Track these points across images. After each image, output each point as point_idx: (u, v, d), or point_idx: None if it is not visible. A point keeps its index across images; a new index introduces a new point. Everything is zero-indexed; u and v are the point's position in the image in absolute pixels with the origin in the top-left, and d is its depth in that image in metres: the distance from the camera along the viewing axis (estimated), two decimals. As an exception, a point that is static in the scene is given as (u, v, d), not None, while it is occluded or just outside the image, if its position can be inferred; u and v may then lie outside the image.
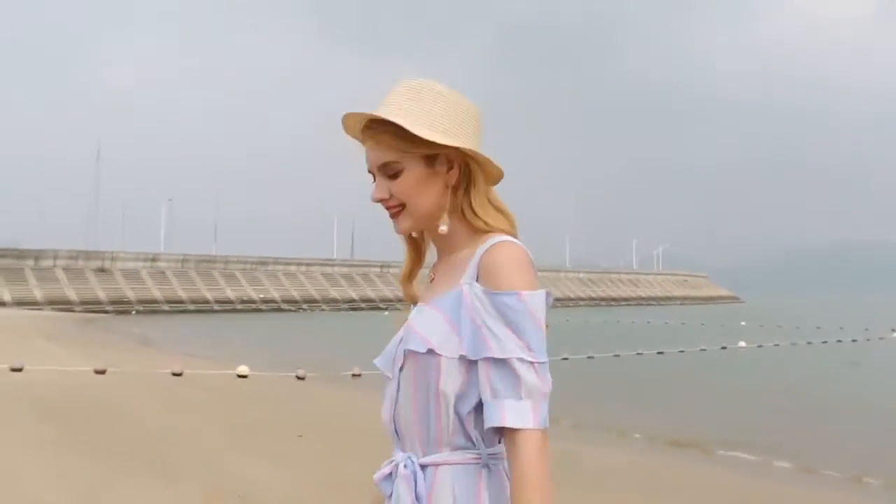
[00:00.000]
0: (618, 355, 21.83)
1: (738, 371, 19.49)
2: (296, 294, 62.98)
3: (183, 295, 58.08)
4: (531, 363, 1.29)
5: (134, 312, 52.39)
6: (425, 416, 1.37)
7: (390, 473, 1.42)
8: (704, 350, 24.18)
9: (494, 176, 1.46)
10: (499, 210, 1.46)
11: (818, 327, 35.64)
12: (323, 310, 60.54)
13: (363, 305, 64.03)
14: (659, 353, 23.02)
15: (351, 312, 59.42)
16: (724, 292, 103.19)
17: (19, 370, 13.84)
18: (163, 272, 60.34)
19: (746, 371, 19.50)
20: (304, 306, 60.92)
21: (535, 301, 1.31)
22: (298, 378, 15.34)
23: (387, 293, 68.35)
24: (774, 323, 39.70)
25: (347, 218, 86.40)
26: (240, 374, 15.26)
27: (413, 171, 1.41)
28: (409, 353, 1.38)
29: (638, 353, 22.50)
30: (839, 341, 28.09)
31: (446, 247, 1.48)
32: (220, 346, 24.94)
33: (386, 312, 58.92)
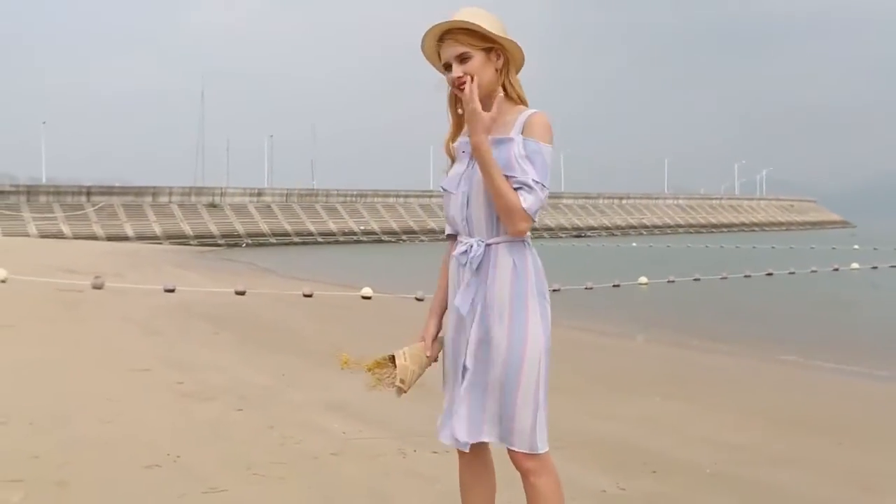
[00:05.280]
0: (725, 277, 21.81)
1: (842, 289, 19.31)
2: (395, 225, 64.44)
3: (288, 228, 60.35)
4: (536, 181, 2.19)
5: (244, 245, 54.96)
6: (490, 213, 2.25)
7: (465, 251, 2.28)
8: (815, 272, 23.81)
9: (520, 63, 2.33)
10: (521, 87, 2.34)
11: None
12: (422, 240, 61.79)
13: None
14: (768, 274, 22.82)
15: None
16: (833, 217, 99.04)
17: (172, 291, 15.27)
18: (268, 206, 62.68)
19: (850, 289, 19.30)
20: (404, 237, 62.37)
21: (547, 150, 2.23)
22: (418, 299, 16.25)
23: (484, 223, 68.89)
24: (891, 246, 38.22)
25: (442, 149, 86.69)
26: (364, 295, 16.25)
27: (477, 58, 2.26)
28: (478, 172, 2.21)
29: (746, 276, 22.37)
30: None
31: (497, 113, 2.25)
32: (335, 273, 26.22)
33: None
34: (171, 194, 59.64)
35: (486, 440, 2.30)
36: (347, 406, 5.42)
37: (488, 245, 2.28)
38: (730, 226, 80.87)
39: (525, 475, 2.28)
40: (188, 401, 5.29)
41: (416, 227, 65.44)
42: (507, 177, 2.22)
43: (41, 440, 4.15)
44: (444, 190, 2.40)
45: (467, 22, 2.25)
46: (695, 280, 20.90)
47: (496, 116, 2.28)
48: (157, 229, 54.58)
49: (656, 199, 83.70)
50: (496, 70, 2.30)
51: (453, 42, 2.27)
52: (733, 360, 9.07)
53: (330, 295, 16.38)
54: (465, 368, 2.30)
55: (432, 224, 66.29)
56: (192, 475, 3.59)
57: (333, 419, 4.98)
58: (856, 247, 39.63)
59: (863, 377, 8.18)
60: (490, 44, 2.27)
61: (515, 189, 2.21)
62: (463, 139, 2.41)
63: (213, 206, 60.38)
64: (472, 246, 2.28)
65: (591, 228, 69.68)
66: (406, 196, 68.89)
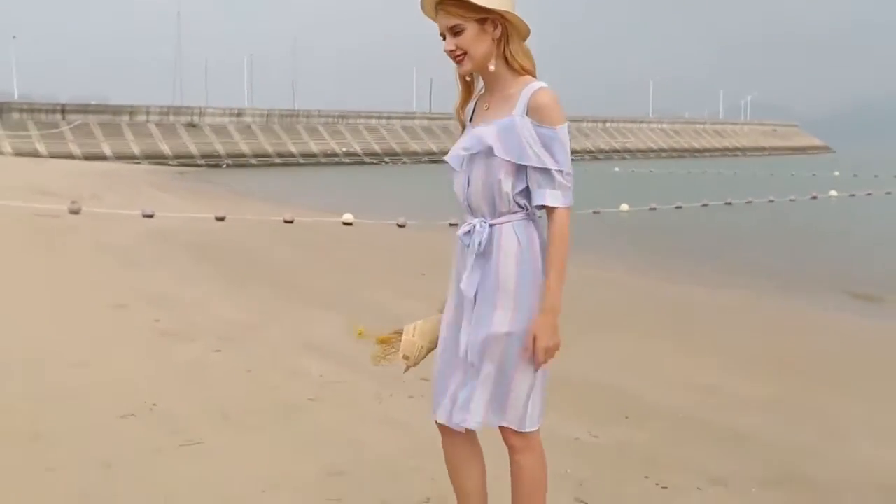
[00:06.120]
0: (706, 204, 21.88)
1: (821, 218, 19.49)
2: (377, 147, 63.79)
3: (269, 149, 59.59)
4: (560, 171, 2.15)
5: (224, 165, 54.36)
6: (490, 196, 2.20)
7: (469, 231, 2.24)
8: (794, 200, 23.97)
9: (524, 33, 2.21)
10: (527, 56, 2.22)
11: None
12: (405, 162, 61.38)
13: (443, 158, 64.47)
14: (747, 202, 22.94)
15: (432, 165, 60.17)
16: (815, 142, 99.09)
17: (151, 216, 15.10)
18: (248, 126, 61.70)
19: (830, 218, 19.50)
20: (386, 159, 61.86)
21: (563, 133, 2.16)
22: (399, 226, 16.20)
23: (467, 145, 68.37)
24: (870, 173, 38.41)
25: (425, 71, 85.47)
26: (345, 221, 16.17)
27: (471, 30, 2.15)
28: (479, 154, 2.18)
29: (727, 204, 22.47)
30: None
31: (496, 85, 2.23)
32: (317, 197, 25.98)
33: (467, 165, 59.07)
34: (148, 113, 58.47)
35: (488, 425, 2.27)
36: (326, 346, 5.44)
37: (492, 225, 2.23)
38: (713, 150, 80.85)
39: (511, 451, 2.29)
40: (165, 341, 5.27)
41: (398, 149, 64.87)
42: (518, 165, 2.18)
43: (12, 390, 4.11)
44: (450, 165, 2.32)
45: None
46: (676, 208, 20.95)
47: (493, 102, 2.26)
48: (136, 149, 53.69)
49: (640, 122, 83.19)
50: (493, 40, 2.18)
51: (445, 13, 2.17)
52: (711, 293, 9.15)
53: (311, 221, 16.26)
54: (466, 352, 2.26)
55: (415, 146, 65.72)
56: (167, 426, 3.59)
57: (311, 361, 4.99)
58: (836, 173, 39.75)
59: (841, 312, 8.28)
60: (485, 13, 2.15)
61: (538, 185, 2.18)
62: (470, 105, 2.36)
63: (192, 125, 59.34)
64: (475, 226, 2.24)
65: (574, 152, 68.27)
66: (389, 118, 68.00)
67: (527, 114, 2.16)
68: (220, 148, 57.71)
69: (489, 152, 2.18)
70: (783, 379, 5.21)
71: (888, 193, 25.98)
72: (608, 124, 79.09)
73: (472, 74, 2.29)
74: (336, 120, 65.62)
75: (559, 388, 4.66)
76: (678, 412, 4.35)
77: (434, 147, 66.42)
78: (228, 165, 54.49)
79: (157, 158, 52.92)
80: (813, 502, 3.26)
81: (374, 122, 67.19)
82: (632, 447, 3.75)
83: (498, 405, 2.22)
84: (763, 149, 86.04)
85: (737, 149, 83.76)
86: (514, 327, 2.18)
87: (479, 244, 2.20)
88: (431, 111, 76.74)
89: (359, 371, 4.78)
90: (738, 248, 13.99)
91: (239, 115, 63.01)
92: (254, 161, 56.90)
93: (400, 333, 2.39)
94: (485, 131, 2.20)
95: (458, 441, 2.34)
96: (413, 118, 70.46)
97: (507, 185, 2.18)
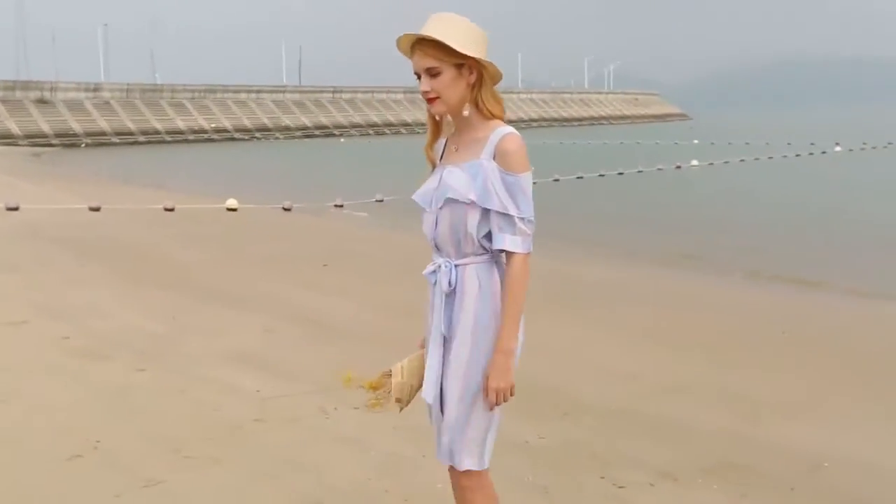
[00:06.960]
0: (581, 177, 22.70)
1: (689, 188, 20.67)
2: (248, 123, 61.90)
3: (132, 126, 56.65)
4: (521, 218, 2.19)
5: (83, 145, 51.31)
6: (457, 238, 2.24)
7: (434, 270, 2.30)
8: (661, 170, 25.26)
9: (497, 79, 2.26)
10: (498, 102, 2.26)
11: (767, 143, 36.97)
12: (277, 138, 59.92)
13: (317, 132, 63.50)
14: (619, 173, 23.98)
15: (306, 140, 59.03)
16: (674, 110, 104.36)
17: (15, 209, 14.07)
18: (107, 102, 58.35)
19: (697, 188, 20.71)
20: (258, 135, 60.15)
21: (526, 180, 2.20)
22: (285, 209, 15.87)
23: (340, 119, 67.50)
24: (725, 140, 40.92)
25: (293, 42, 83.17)
26: (229, 207, 15.63)
27: (448, 74, 2.18)
28: (448, 199, 2.21)
29: (601, 175, 23.41)
30: (785, 157, 29.56)
31: (467, 127, 2.27)
32: (193, 179, 25.00)
33: (342, 140, 58.41)
34: (-10, 89, 54.20)
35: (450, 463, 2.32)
36: (249, 354, 5.32)
37: (457, 266, 2.27)
38: (580, 119, 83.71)
39: (463, 491, 2.32)
40: (83, 362, 4.98)
41: (270, 125, 63.29)
42: (485, 210, 2.21)
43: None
44: (422, 206, 2.35)
45: (437, 38, 2.14)
46: (554, 181, 21.60)
47: (461, 144, 2.29)
48: (-21, 128, 49.71)
49: (510, 93, 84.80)
50: (468, 85, 2.21)
51: (423, 54, 2.18)
52: (608, 271, 9.50)
53: (193, 208, 15.61)
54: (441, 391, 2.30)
55: (287, 121, 64.25)
56: (121, 465, 3.41)
57: (242, 374, 4.87)
58: (695, 141, 42.13)
59: (736, 285, 8.81)
60: (463, 59, 2.18)
61: (499, 230, 2.21)
62: (440, 143, 2.38)
63: (42, 101, 55.51)
64: (440, 266, 2.29)
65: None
66: (259, 91, 66.10)
67: (494, 158, 2.20)
68: (76, 126, 54.40)
69: (456, 195, 2.22)
70: (694, 360, 5.54)
71: (742, 161, 27.87)
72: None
73: (442, 116, 2.31)
74: (203, 94, 63.09)
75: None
76: (609, 404, 4.56)
77: (307, 122, 65.26)
78: (87, 145, 51.48)
79: (4, 138, 49.23)
80: (748, 487, 3.52)
81: (243, 96, 65.17)
82: (579, 446, 3.90)
83: (456, 444, 2.26)
84: (626, 117, 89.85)
85: (602, 117, 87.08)
86: (470, 367, 2.24)
87: (449, 284, 2.25)
88: (301, 84, 75.15)
89: (293, 381, 4.73)
90: (619, 223, 14.57)
91: (96, 90, 59.50)
92: (115, 139, 54.03)
93: (388, 375, 2.40)
94: (453, 173, 2.24)
95: (452, 475, 2.38)
96: (284, 91, 68.83)
97: (473, 227, 2.21)
